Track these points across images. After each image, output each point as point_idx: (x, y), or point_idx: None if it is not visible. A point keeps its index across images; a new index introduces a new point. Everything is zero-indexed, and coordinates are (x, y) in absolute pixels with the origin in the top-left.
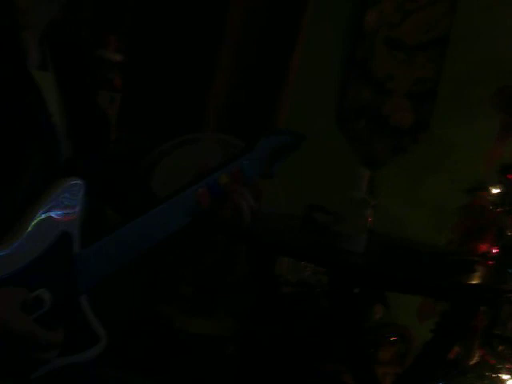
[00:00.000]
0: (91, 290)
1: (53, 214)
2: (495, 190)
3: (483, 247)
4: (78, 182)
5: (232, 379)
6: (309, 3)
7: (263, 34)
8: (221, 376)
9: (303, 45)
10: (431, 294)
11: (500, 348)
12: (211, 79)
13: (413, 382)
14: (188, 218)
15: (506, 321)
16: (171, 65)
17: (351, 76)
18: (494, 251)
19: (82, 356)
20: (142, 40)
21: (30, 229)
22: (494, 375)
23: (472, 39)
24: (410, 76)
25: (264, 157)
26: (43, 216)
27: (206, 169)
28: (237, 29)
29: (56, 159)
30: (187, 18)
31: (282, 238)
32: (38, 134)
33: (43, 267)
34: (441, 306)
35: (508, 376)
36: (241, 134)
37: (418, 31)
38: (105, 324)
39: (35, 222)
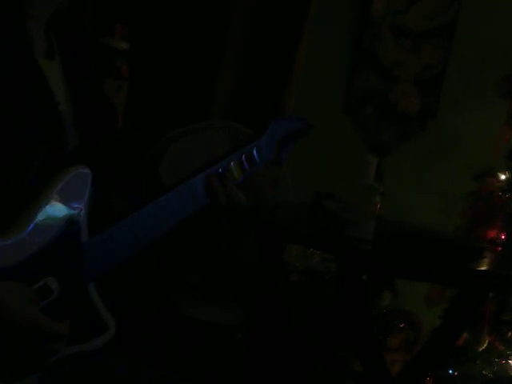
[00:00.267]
0: (99, 279)
1: (60, 203)
2: (503, 176)
3: (491, 233)
4: (85, 170)
5: (240, 367)
6: None
7: (270, 22)
8: (229, 364)
9: (310, 32)
10: (440, 281)
11: (509, 334)
12: (219, 67)
13: (421, 368)
14: (196, 206)
15: None
16: (178, 53)
17: (358, 63)
18: (502, 237)
19: (90, 344)
20: (149, 28)
21: (37, 218)
22: (502, 361)
23: (479, 25)
24: (418, 63)
25: (272, 144)
26: (50, 205)
27: (215, 156)
28: (244, 17)
29: (63, 148)
30: (194, 6)
31: (290, 225)
32: (44, 123)
33: (51, 256)
34: (449, 292)
35: None
36: (248, 122)
37: (425, 18)
38: (113, 313)
39: (42, 210)
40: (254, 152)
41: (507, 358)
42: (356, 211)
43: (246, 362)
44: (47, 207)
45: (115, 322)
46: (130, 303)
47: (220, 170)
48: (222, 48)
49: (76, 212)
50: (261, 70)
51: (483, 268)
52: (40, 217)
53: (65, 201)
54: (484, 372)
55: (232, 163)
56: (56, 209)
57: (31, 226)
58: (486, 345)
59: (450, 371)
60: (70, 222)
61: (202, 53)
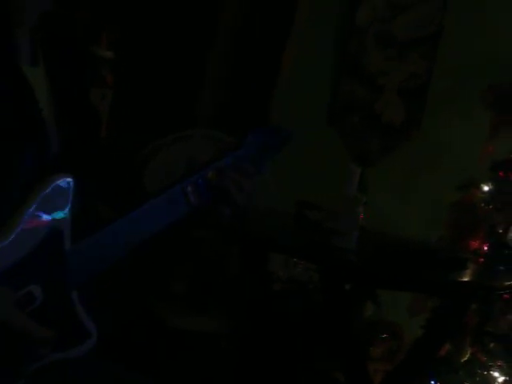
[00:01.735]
0: (83, 287)
1: (42, 211)
2: (486, 188)
3: (474, 244)
4: (68, 178)
5: (228, 375)
6: None
7: (255, 30)
8: (215, 373)
9: (295, 41)
10: (423, 291)
11: (491, 345)
12: (203, 75)
13: (403, 378)
14: (178, 214)
15: (497, 318)
16: (162, 62)
17: (343, 72)
18: (484, 248)
19: (72, 352)
20: (133, 37)
21: (19, 226)
22: (484, 373)
23: (464, 35)
24: (402, 71)
25: (252, 154)
26: (33, 213)
27: (196, 166)
28: (228, 25)
29: (46, 155)
30: (178, 15)
31: (272, 234)
32: (27, 130)
33: (34, 264)
34: (432, 302)
35: (498, 373)
36: (233, 130)
37: (410, 27)
38: (97, 321)
39: (25, 219)
40: (234, 162)
41: (489, 369)
42: (339, 221)
43: (233, 370)
44: (29, 215)
45: (98, 331)
46: (114, 312)
47: (200, 180)
48: (206, 57)
49: (59, 220)
50: (246, 79)
51: (466, 279)
52: (22, 225)
53: (47, 209)
54: (466, 383)
55: (210, 173)
56: (38, 217)
57: (14, 234)
58: (468, 356)
59: (433, 382)
60: (52, 230)
61: (186, 61)
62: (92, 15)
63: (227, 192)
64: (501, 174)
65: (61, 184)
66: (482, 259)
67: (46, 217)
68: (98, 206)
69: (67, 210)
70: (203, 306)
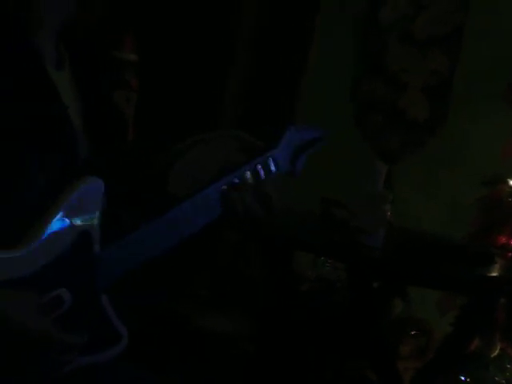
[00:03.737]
0: (111, 290)
1: (72, 214)
2: None
3: (502, 239)
4: (98, 181)
5: (249, 377)
6: None
7: (278, 30)
8: (237, 374)
9: (318, 40)
10: (451, 288)
11: None
12: (227, 77)
13: (433, 375)
14: (209, 217)
15: None
16: (187, 64)
17: (366, 70)
18: None
19: (103, 355)
20: (157, 39)
21: (49, 229)
22: None
23: (486, 32)
24: (425, 70)
25: (287, 153)
26: (62, 216)
27: (229, 166)
28: (252, 26)
29: (73, 158)
30: (202, 16)
31: (299, 233)
32: (54, 132)
33: (63, 267)
34: (461, 298)
35: None
36: (258, 131)
37: (433, 25)
38: (125, 323)
39: (54, 222)
40: (270, 161)
41: None
42: (366, 219)
43: (255, 371)
44: (59, 218)
45: (128, 333)
46: (138, 314)
47: (236, 180)
48: (230, 59)
49: (89, 223)
50: (270, 79)
51: (494, 274)
52: (52, 228)
53: (78, 212)
54: (496, 378)
55: (248, 173)
56: (68, 220)
57: (44, 237)
58: (497, 351)
59: (463, 378)
60: (82, 234)
61: (211, 63)
62: (114, 18)
63: (262, 192)
64: None
65: (91, 187)
66: (510, 254)
67: (75, 220)
68: (126, 209)
69: (97, 213)
70: (227, 307)
